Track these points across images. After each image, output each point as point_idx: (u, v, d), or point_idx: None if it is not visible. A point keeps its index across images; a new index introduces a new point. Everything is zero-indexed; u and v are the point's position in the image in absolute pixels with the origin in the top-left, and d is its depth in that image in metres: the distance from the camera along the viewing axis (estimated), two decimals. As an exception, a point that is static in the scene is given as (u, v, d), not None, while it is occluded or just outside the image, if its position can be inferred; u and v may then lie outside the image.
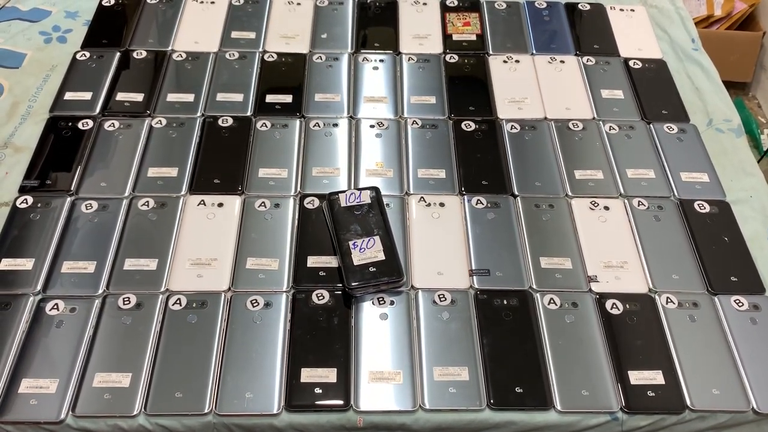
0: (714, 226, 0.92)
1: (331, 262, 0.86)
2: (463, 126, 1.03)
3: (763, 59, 2.03)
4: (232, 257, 0.86)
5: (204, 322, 0.80)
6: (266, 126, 1.01)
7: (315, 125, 1.02)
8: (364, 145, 1.00)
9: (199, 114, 1.03)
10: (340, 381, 0.76)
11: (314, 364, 0.77)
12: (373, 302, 0.83)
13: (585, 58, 1.14)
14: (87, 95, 1.04)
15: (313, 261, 0.86)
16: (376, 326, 0.81)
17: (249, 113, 1.03)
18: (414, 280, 0.85)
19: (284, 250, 0.87)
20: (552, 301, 0.84)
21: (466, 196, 0.94)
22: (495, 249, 0.89)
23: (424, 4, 1.23)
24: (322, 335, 0.80)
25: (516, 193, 0.95)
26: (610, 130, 1.03)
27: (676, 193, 0.96)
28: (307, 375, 0.77)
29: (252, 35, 1.15)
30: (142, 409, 0.74)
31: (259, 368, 0.77)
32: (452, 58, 1.13)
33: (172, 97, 1.05)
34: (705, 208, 0.94)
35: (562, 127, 1.03)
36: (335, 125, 1.02)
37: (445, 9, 1.22)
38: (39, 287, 0.83)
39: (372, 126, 1.02)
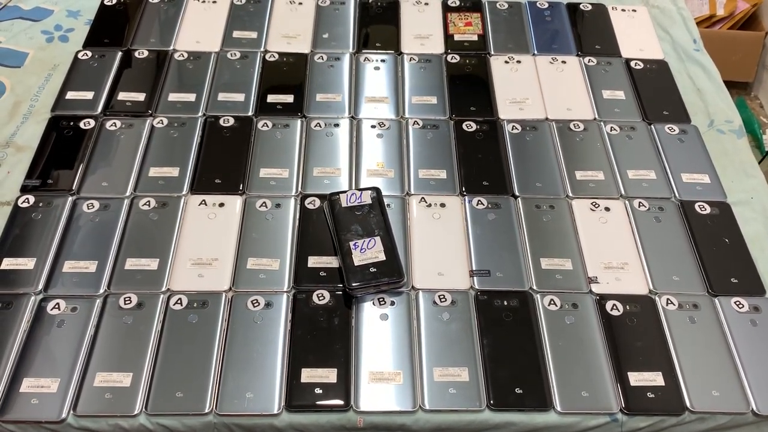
0: (714, 227, 0.92)
1: (331, 262, 0.86)
2: (464, 126, 1.03)
3: (766, 59, 2.03)
4: (233, 257, 0.86)
5: (205, 322, 0.80)
6: (267, 126, 1.01)
7: (316, 125, 1.02)
8: (365, 146, 1.00)
9: (200, 114, 1.03)
10: (341, 381, 0.76)
11: (314, 365, 0.78)
12: (373, 303, 0.83)
13: (586, 59, 1.14)
14: (89, 95, 1.04)
15: (313, 261, 0.86)
16: (376, 327, 0.81)
17: (250, 113, 1.03)
18: (414, 280, 0.85)
19: (285, 251, 0.87)
20: (552, 302, 0.84)
21: (466, 197, 0.94)
22: (495, 250, 0.89)
23: (426, 4, 1.23)
24: (323, 335, 0.80)
25: (517, 193, 0.95)
26: (611, 130, 1.03)
27: (676, 194, 0.96)
28: (308, 375, 0.77)
29: (253, 35, 1.15)
30: (143, 409, 0.74)
31: (260, 368, 0.77)
32: (453, 58, 1.13)
33: (173, 96, 1.05)
34: (706, 209, 0.94)
35: (563, 128, 1.03)
36: (336, 125, 1.02)
37: (446, 9, 1.22)
38: (40, 287, 0.83)
39: (373, 126, 1.03)
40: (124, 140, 0.99)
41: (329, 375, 0.77)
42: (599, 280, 0.86)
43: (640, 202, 0.94)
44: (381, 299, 0.83)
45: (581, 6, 1.24)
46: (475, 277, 0.86)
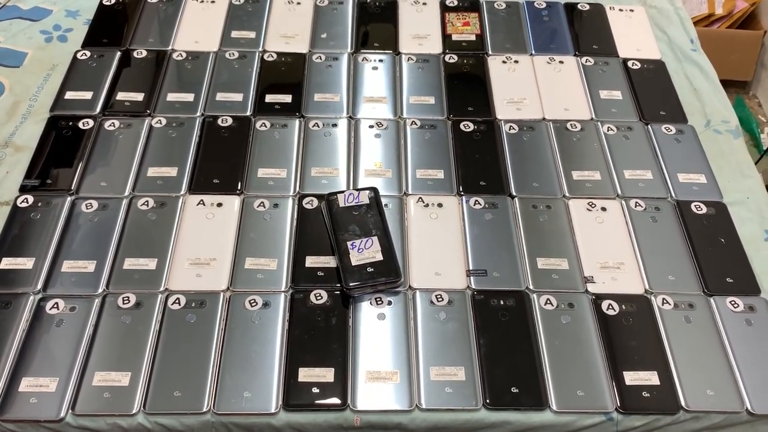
0: (710, 227, 0.93)
1: (329, 262, 0.87)
2: (461, 126, 1.03)
3: (764, 58, 2.03)
4: (231, 257, 0.87)
5: (203, 322, 0.81)
6: (266, 126, 1.02)
7: (314, 125, 1.02)
8: (363, 146, 1.00)
9: (198, 114, 1.03)
10: (338, 380, 0.77)
11: (312, 364, 0.78)
12: (370, 302, 0.84)
13: (584, 59, 1.14)
14: (87, 94, 1.05)
15: (311, 261, 0.87)
16: (373, 326, 0.82)
17: (248, 113, 1.04)
18: (411, 280, 0.86)
19: (283, 250, 0.88)
20: (548, 302, 0.84)
21: (464, 197, 0.95)
22: (492, 249, 0.89)
23: (424, 4, 1.23)
24: (320, 335, 0.80)
25: (514, 193, 0.95)
26: (608, 130, 1.04)
27: (673, 194, 0.96)
28: (305, 374, 0.77)
29: (252, 35, 1.15)
30: (142, 408, 0.74)
31: (258, 367, 0.77)
32: (451, 58, 1.13)
33: (172, 96, 1.05)
34: (702, 209, 0.95)
35: (560, 128, 1.04)
36: (334, 125, 1.03)
37: (444, 9, 1.22)
38: (39, 286, 0.83)
39: (371, 126, 1.03)
40: (123, 140, 0.99)
41: (326, 374, 0.77)
42: (595, 279, 0.87)
43: (636, 202, 0.95)
44: (378, 299, 0.84)
45: (579, 6, 1.24)
46: (471, 277, 0.86)
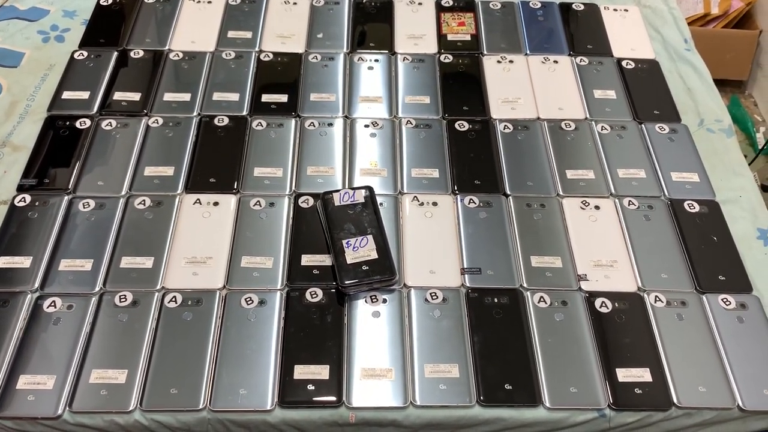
0: (703, 225, 0.93)
1: (324, 260, 0.87)
2: (456, 126, 1.04)
3: (760, 57, 2.04)
4: (227, 255, 0.87)
5: (199, 320, 0.81)
6: (262, 125, 1.02)
7: (310, 125, 1.03)
8: (359, 145, 1.01)
9: (195, 113, 1.04)
10: (333, 378, 0.77)
11: (307, 361, 0.79)
12: (365, 300, 0.84)
13: (578, 58, 1.15)
14: (84, 94, 1.05)
15: (307, 259, 0.87)
16: (368, 324, 0.82)
17: (245, 112, 1.04)
18: (406, 278, 0.86)
19: (278, 249, 0.88)
20: (542, 300, 0.85)
21: (458, 196, 0.95)
22: (487, 248, 0.90)
23: (420, 4, 1.24)
24: (316, 333, 0.81)
25: (508, 192, 0.96)
26: (602, 130, 1.04)
27: (666, 193, 0.97)
28: (300, 372, 0.78)
29: (248, 35, 1.16)
30: (138, 405, 0.75)
31: (253, 365, 0.78)
32: (447, 58, 1.14)
33: (168, 96, 1.06)
34: (695, 207, 0.95)
35: (554, 127, 1.04)
36: (330, 125, 1.03)
37: (440, 9, 1.23)
38: (37, 285, 0.84)
39: (367, 125, 1.04)
40: (120, 140, 1.00)
41: (322, 371, 0.78)
42: (589, 277, 0.87)
43: (629, 201, 0.95)
44: (373, 297, 0.84)
45: (573, 6, 1.25)
46: (466, 275, 0.87)
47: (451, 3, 1.24)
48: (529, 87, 1.10)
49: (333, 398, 0.76)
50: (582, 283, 0.87)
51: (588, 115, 1.07)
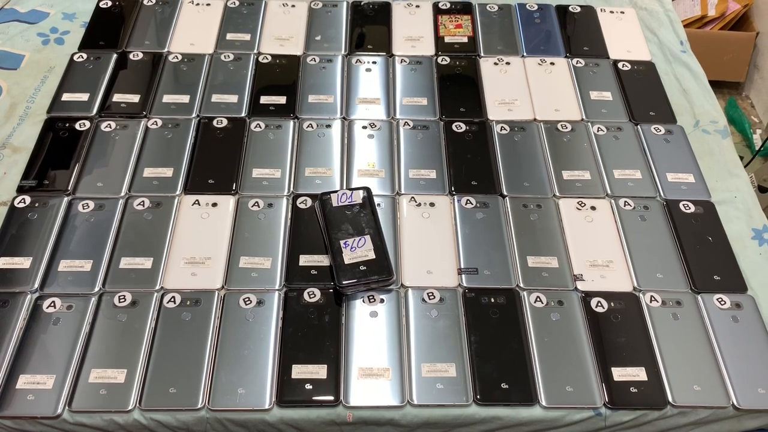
0: (698, 226, 0.94)
1: (322, 261, 0.88)
2: (453, 127, 1.04)
3: (756, 59, 2.05)
4: (225, 256, 0.88)
5: (198, 320, 0.82)
6: (260, 127, 1.03)
7: (308, 126, 1.04)
8: (357, 146, 1.02)
9: (194, 115, 1.04)
10: (331, 377, 0.78)
11: (305, 361, 0.79)
12: (363, 300, 0.85)
13: (575, 60, 1.16)
14: (84, 96, 1.06)
15: (305, 260, 0.88)
16: (366, 324, 0.83)
17: (243, 114, 1.05)
18: (404, 278, 0.87)
19: (277, 249, 0.89)
20: (538, 299, 0.85)
21: (455, 196, 0.96)
22: (483, 248, 0.90)
23: (417, 6, 1.24)
24: (313, 332, 0.82)
25: (505, 193, 0.97)
26: (598, 131, 1.05)
27: (662, 194, 0.98)
28: (298, 371, 0.78)
29: (247, 37, 1.17)
30: (137, 404, 0.75)
31: (252, 364, 0.79)
32: (444, 60, 1.15)
33: (167, 98, 1.06)
34: (690, 208, 0.96)
35: (551, 129, 1.05)
36: (328, 126, 1.04)
37: (437, 11, 1.24)
38: (36, 285, 0.84)
39: (364, 127, 1.04)
40: (119, 141, 1.00)
41: (319, 371, 0.78)
42: (585, 277, 0.88)
43: (625, 201, 0.96)
44: (371, 297, 0.85)
45: (570, 8, 1.25)
46: (463, 275, 0.87)
47: (449, 5, 1.25)
48: (525, 88, 1.11)
49: (331, 397, 0.77)
50: (578, 283, 0.87)
51: (584, 117, 1.07)
